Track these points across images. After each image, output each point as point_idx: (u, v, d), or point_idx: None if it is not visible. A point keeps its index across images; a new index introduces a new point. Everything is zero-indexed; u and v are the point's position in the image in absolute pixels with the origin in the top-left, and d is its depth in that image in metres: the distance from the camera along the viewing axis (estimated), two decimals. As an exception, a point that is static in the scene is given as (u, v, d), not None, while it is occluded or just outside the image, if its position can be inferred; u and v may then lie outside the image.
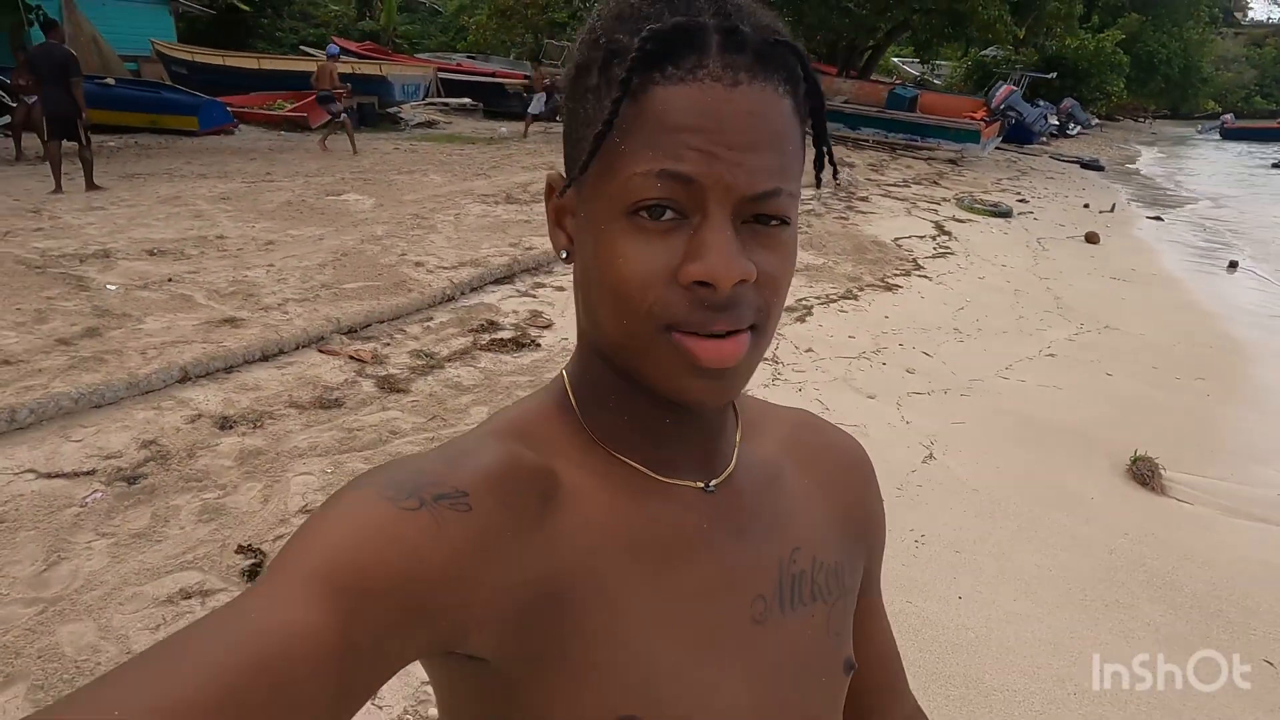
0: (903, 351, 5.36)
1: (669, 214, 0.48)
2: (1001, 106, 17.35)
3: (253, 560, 2.64)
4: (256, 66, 16.32)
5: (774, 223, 0.50)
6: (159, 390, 3.74)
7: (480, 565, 0.46)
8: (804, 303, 6.18)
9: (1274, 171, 21.11)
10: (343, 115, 12.01)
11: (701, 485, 0.58)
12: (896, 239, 8.59)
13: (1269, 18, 64.39)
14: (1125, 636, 2.80)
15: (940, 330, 5.89)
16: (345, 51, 20.57)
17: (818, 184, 0.58)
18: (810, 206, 9.47)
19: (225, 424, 3.52)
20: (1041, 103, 23.81)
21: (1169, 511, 3.73)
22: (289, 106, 14.73)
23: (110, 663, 2.19)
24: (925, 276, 7.32)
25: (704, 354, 0.49)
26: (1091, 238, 9.85)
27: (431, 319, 5.09)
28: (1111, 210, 12.63)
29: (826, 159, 0.57)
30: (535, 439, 0.55)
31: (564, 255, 0.56)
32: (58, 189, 7.80)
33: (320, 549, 0.43)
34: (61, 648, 2.24)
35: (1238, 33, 55.02)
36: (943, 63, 36.36)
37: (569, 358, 0.61)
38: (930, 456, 3.97)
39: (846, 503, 0.68)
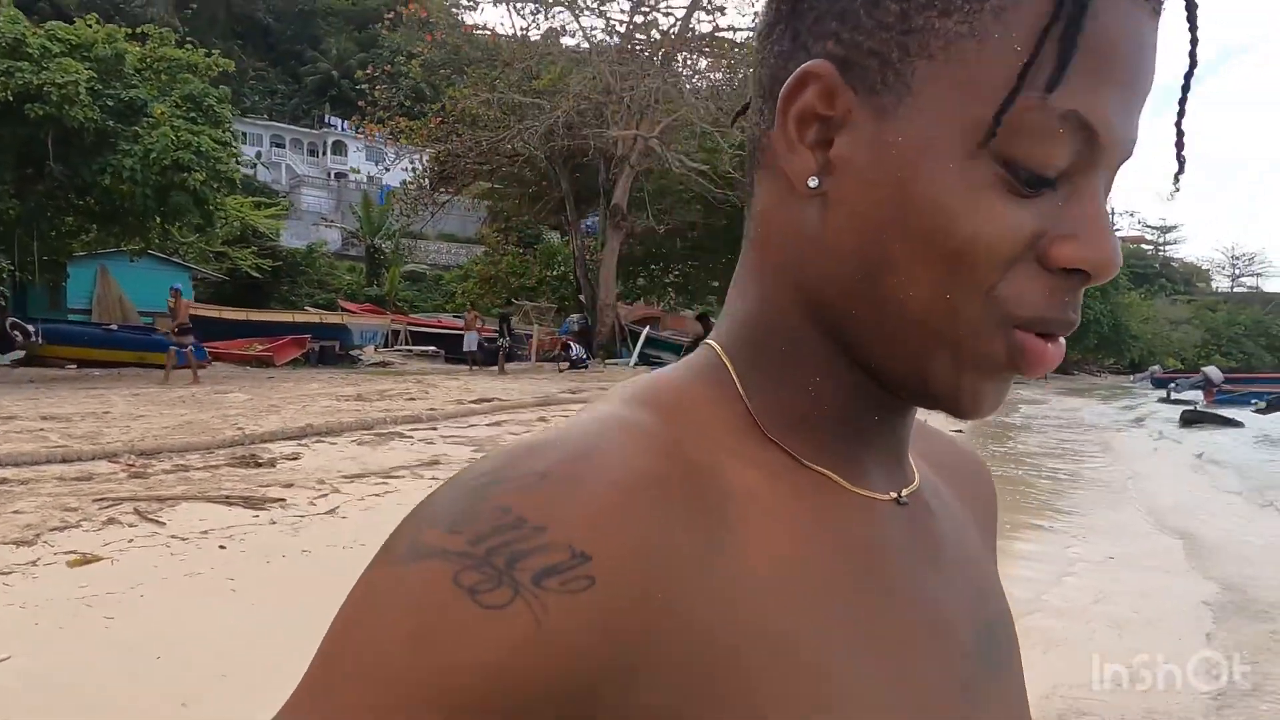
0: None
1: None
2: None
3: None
4: (245, 318, 19.87)
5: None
6: (-24, 467, 5.85)
7: (609, 662, 0.32)
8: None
9: (1157, 404, 23.04)
10: (188, 348, 13.40)
11: (894, 497, 0.45)
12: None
13: (1231, 288, 69.72)
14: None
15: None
16: (344, 309, 24.65)
17: (1176, 188, 0.42)
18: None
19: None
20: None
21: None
22: (260, 348, 17.92)
23: None
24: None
25: (1037, 358, 0.38)
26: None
27: (214, 452, 7.19)
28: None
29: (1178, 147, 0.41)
30: (691, 422, 0.40)
31: (814, 184, 0.39)
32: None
33: (362, 683, 0.31)
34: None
35: (1190, 299, 59.74)
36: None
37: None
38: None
39: (992, 530, 0.56)
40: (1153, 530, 6.93)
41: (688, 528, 0.36)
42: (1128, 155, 0.39)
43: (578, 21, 18.01)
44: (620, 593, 0.33)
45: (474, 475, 0.36)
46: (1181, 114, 0.40)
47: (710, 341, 0.46)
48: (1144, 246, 65.09)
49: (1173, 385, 26.93)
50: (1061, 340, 0.40)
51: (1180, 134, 0.41)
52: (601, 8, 17.81)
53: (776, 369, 0.43)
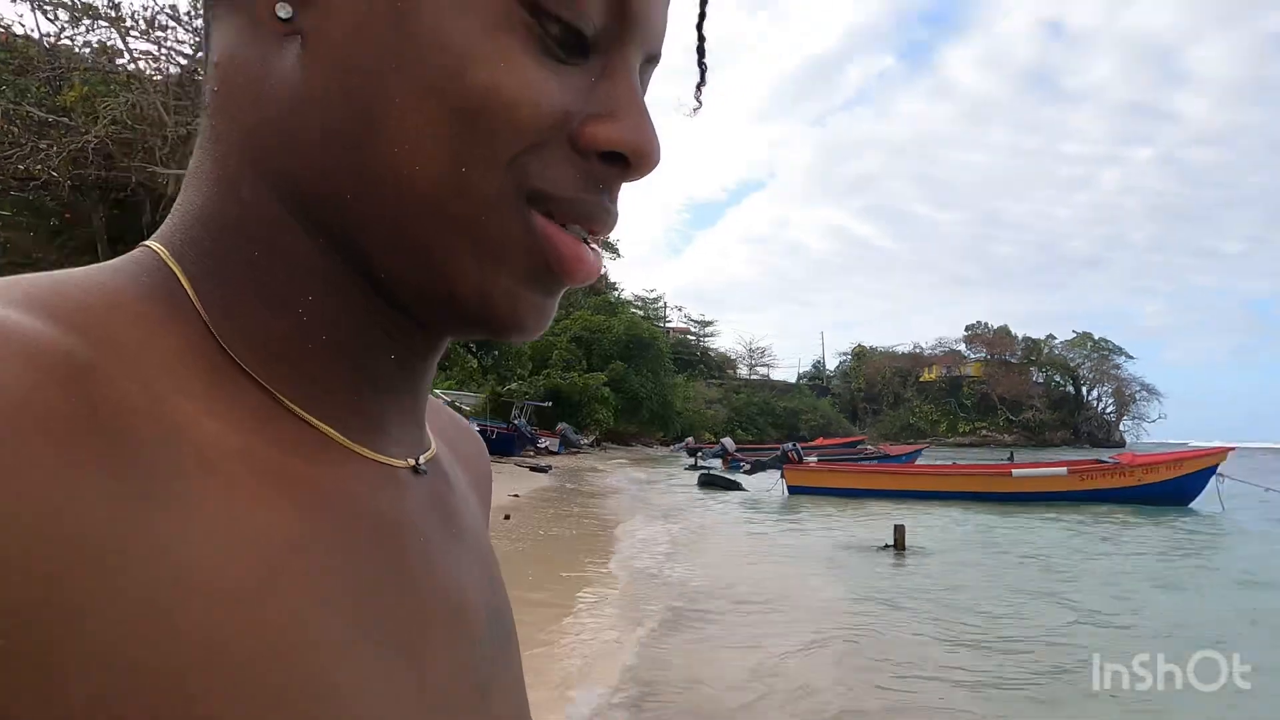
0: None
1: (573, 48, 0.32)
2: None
3: None
4: None
5: None
6: None
7: None
8: None
9: (685, 470, 26.91)
10: None
11: (411, 464, 0.37)
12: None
13: (749, 375, 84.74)
14: None
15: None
16: None
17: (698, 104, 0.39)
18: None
19: None
20: (520, 421, 28.27)
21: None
22: None
23: None
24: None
25: (570, 255, 0.33)
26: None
27: None
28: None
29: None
30: (116, 341, 0.27)
31: (285, 13, 0.31)
32: None
33: None
34: None
35: (721, 383, 71.46)
36: (470, 394, 41.50)
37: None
38: None
39: (488, 510, 0.51)
40: (621, 571, 8.30)
41: (96, 506, 0.23)
42: (658, 47, 0.35)
43: (124, 42, 16.03)
44: None
45: None
46: (703, 17, 0.38)
47: (148, 244, 0.33)
48: (688, 337, 76.56)
49: (700, 454, 31.67)
50: (598, 249, 0.35)
51: (701, 39, 0.38)
52: (156, 33, 16.06)
53: (249, 280, 0.32)
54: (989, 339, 78.91)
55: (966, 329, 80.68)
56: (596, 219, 0.34)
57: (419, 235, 0.31)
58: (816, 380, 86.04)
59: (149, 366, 0.28)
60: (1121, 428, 77.50)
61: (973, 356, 79.19)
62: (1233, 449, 17.35)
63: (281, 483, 0.30)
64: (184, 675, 0.24)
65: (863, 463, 23.55)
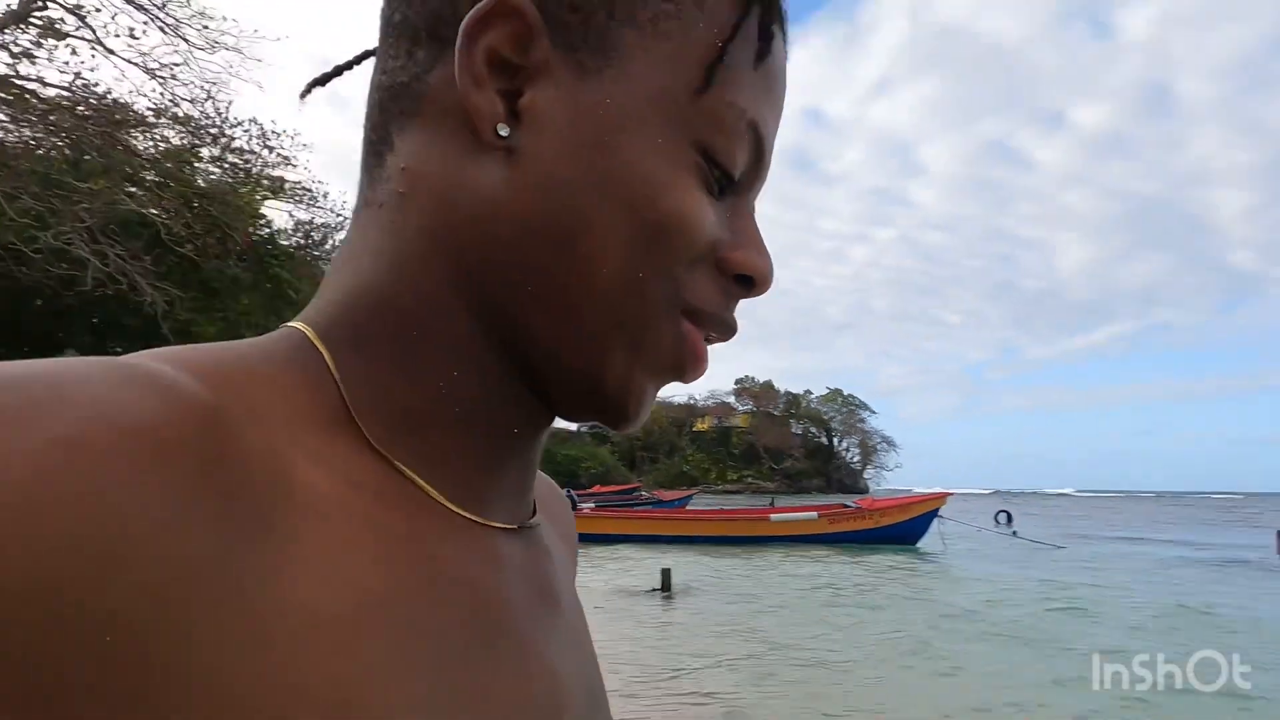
0: None
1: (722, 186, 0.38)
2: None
3: None
4: None
5: None
6: None
7: None
8: None
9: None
10: None
11: (513, 529, 0.40)
12: None
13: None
14: None
15: None
16: None
17: None
18: None
19: None
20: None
21: None
22: None
23: None
24: None
25: (699, 355, 0.39)
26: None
27: None
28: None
29: None
30: (252, 401, 0.30)
31: (505, 132, 0.35)
32: None
33: None
34: None
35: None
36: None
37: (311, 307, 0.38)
38: None
39: (574, 578, 0.51)
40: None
41: (203, 528, 0.25)
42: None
43: None
44: (51, 628, 0.22)
45: None
46: None
47: (294, 324, 0.37)
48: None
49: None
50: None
51: None
52: None
53: (396, 355, 0.35)
54: (756, 392, 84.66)
55: (736, 383, 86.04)
56: (726, 327, 0.40)
57: (588, 326, 0.36)
58: (597, 429, 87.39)
59: (273, 422, 0.31)
60: (866, 475, 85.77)
61: (741, 409, 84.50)
62: (951, 494, 19.77)
63: (383, 536, 0.32)
64: (284, 700, 0.26)
65: (636, 508, 24.14)
